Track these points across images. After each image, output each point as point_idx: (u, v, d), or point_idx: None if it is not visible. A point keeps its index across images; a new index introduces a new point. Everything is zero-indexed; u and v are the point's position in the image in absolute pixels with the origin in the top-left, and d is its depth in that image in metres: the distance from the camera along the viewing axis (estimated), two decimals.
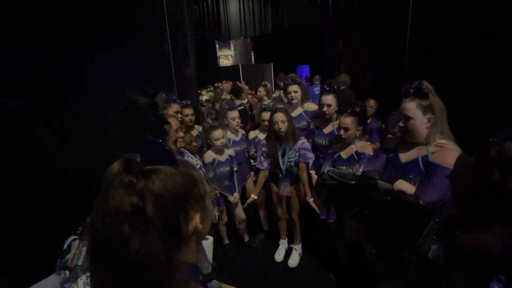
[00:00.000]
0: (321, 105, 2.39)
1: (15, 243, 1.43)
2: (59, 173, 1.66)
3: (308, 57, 8.28)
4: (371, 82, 3.41)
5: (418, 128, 1.48)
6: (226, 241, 2.91)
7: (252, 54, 11.35)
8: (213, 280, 0.96)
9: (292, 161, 2.37)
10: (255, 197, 2.53)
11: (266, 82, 5.23)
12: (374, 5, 3.21)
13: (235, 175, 2.62)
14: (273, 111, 2.33)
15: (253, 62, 11.12)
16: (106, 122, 1.92)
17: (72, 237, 1.50)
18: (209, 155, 2.52)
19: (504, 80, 1.81)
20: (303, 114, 2.73)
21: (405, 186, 1.48)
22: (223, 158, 2.55)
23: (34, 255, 1.48)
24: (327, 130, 2.44)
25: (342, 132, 2.00)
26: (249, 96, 4.97)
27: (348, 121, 1.97)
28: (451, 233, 0.96)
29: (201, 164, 2.24)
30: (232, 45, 11.06)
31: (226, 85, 5.22)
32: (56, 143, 1.65)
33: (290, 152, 2.33)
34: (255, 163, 2.89)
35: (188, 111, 2.77)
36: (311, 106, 2.75)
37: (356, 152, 1.99)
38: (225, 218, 2.74)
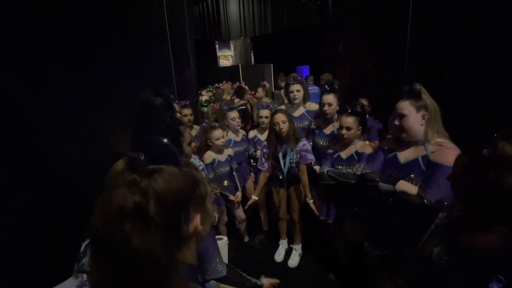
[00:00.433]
0: (321, 105, 2.39)
1: (33, 246, 1.43)
2: (77, 176, 1.66)
3: (308, 58, 8.28)
4: (370, 83, 3.41)
5: (413, 125, 1.50)
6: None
7: (252, 54, 11.35)
8: (212, 280, 0.96)
9: (293, 162, 2.37)
10: (256, 198, 2.53)
11: (265, 82, 5.23)
12: (374, 5, 3.21)
13: (235, 175, 2.62)
14: (274, 112, 2.33)
15: (253, 63, 11.13)
16: (107, 122, 1.92)
17: (88, 240, 1.50)
18: (209, 156, 2.51)
19: (504, 81, 1.81)
20: (305, 114, 2.72)
21: (407, 186, 1.48)
22: (222, 158, 2.55)
23: (52, 258, 1.47)
24: (327, 130, 2.43)
25: (344, 131, 1.99)
26: (249, 97, 4.98)
27: (350, 120, 1.97)
28: (453, 235, 0.96)
29: (204, 166, 2.24)
30: (232, 45, 11.06)
31: (227, 86, 5.23)
32: (65, 146, 1.66)
33: (292, 153, 2.33)
34: (255, 164, 2.90)
35: (187, 111, 2.78)
36: (313, 106, 2.74)
37: (356, 152, 1.99)
38: (225, 218, 2.74)
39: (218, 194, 2.49)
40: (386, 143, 1.79)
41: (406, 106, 1.51)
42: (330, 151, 2.19)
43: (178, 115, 2.45)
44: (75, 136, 1.79)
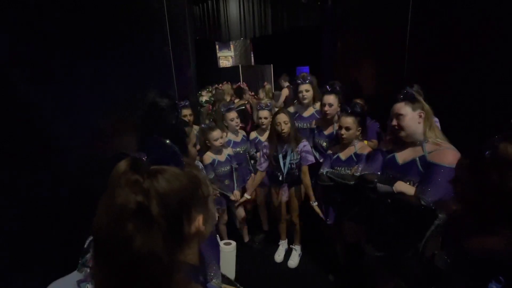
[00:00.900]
0: (322, 105, 2.39)
1: (40, 239, 1.44)
2: (83, 172, 1.67)
3: (308, 58, 8.28)
4: (370, 83, 3.42)
5: (411, 124, 1.52)
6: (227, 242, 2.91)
7: (252, 55, 11.36)
8: (213, 280, 0.96)
9: (293, 163, 2.37)
10: (248, 196, 2.55)
11: (266, 83, 5.26)
12: (373, 6, 3.22)
13: (234, 174, 2.62)
14: (276, 112, 2.33)
15: (252, 63, 11.14)
16: (107, 122, 1.92)
17: (92, 237, 1.51)
18: (209, 156, 2.52)
19: (504, 82, 1.82)
20: (315, 114, 2.69)
21: (404, 187, 1.49)
22: (222, 158, 2.55)
23: (58, 252, 1.49)
24: (327, 131, 2.43)
25: (342, 131, 2.00)
26: (249, 97, 4.99)
27: (349, 120, 1.97)
28: (455, 237, 0.96)
29: (202, 166, 2.25)
30: (232, 46, 11.08)
31: (227, 86, 5.23)
32: (68, 144, 1.66)
33: (292, 154, 2.34)
34: (255, 164, 2.90)
35: (187, 111, 2.78)
36: None
37: (355, 153, 2.00)
38: (225, 217, 2.74)
39: (218, 194, 2.49)
40: (384, 144, 1.80)
41: (402, 106, 1.55)
42: (329, 152, 2.20)
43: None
44: (75, 136, 1.79)
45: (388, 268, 1.76)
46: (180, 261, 0.50)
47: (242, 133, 2.91)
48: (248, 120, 4.20)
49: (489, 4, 1.89)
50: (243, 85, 5.18)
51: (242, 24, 9.70)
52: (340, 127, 2.02)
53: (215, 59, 10.46)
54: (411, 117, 1.52)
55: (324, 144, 2.42)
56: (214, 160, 2.51)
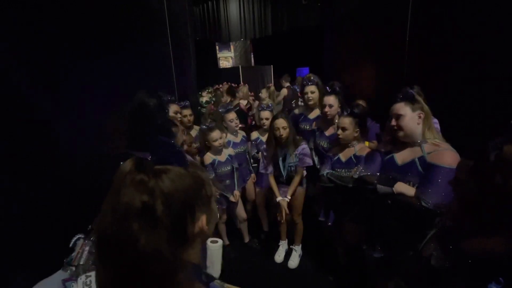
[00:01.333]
0: (322, 106, 2.39)
1: (27, 239, 1.44)
2: (70, 171, 1.67)
3: (308, 59, 8.29)
4: (370, 84, 3.42)
5: (410, 124, 1.52)
6: (226, 242, 2.91)
7: (252, 56, 11.37)
8: (216, 280, 0.96)
9: (292, 166, 2.39)
10: (288, 199, 2.42)
11: (271, 85, 5.29)
12: (373, 7, 3.23)
13: (235, 174, 2.63)
14: (275, 117, 2.34)
15: (252, 64, 11.15)
16: (108, 122, 1.93)
17: (77, 236, 1.52)
18: (209, 157, 2.52)
19: (504, 82, 1.82)
20: (321, 115, 2.67)
21: (404, 188, 1.49)
22: (222, 158, 2.56)
23: (44, 251, 1.49)
24: (328, 132, 2.43)
25: (339, 132, 2.01)
26: (249, 98, 5.00)
27: (346, 120, 1.98)
28: (455, 239, 0.96)
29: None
30: (232, 46, 11.08)
31: (226, 87, 5.25)
32: (64, 141, 1.66)
33: (291, 157, 2.35)
34: (255, 165, 2.90)
35: (187, 112, 2.79)
36: None
37: (355, 155, 2.00)
38: (224, 216, 2.75)
39: (218, 195, 2.49)
40: (383, 145, 1.80)
41: (401, 107, 1.54)
42: (330, 153, 2.20)
43: (179, 115, 2.47)
44: (74, 136, 1.80)
45: (388, 269, 1.77)
46: (183, 261, 0.51)
47: (241, 133, 2.91)
48: (246, 120, 4.21)
49: (489, 4, 1.90)
50: (244, 85, 5.18)
51: (242, 25, 9.71)
52: (337, 127, 2.03)
53: (215, 60, 10.46)
54: (410, 117, 1.52)
55: (325, 145, 2.42)
56: (214, 161, 2.52)
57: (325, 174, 2.09)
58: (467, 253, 0.89)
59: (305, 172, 2.47)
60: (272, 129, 2.33)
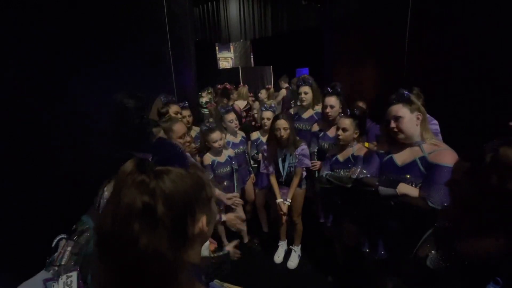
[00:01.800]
0: (324, 107, 2.40)
1: (10, 241, 1.44)
2: (54, 172, 1.66)
3: (308, 60, 8.30)
4: (369, 85, 3.43)
5: (409, 126, 1.52)
6: (226, 242, 2.91)
7: (252, 56, 11.38)
8: (215, 280, 0.97)
9: (292, 166, 2.39)
10: (288, 202, 2.44)
11: (270, 86, 5.32)
12: (373, 8, 3.24)
13: (235, 175, 2.63)
14: (276, 117, 2.34)
15: (252, 65, 11.16)
16: (103, 123, 1.93)
17: (60, 236, 1.52)
18: (208, 157, 2.53)
19: (503, 83, 1.83)
20: (315, 116, 2.72)
21: (407, 189, 1.49)
22: (222, 159, 2.56)
23: (25, 252, 1.49)
24: (331, 133, 2.43)
25: (339, 132, 2.01)
26: (249, 98, 5.00)
27: (347, 121, 1.99)
28: (451, 241, 0.96)
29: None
30: (231, 47, 11.09)
31: (221, 88, 5.26)
32: (51, 143, 1.66)
33: (291, 157, 2.36)
34: (255, 165, 2.90)
35: (186, 112, 2.80)
36: None
37: (353, 155, 2.01)
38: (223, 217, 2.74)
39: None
40: (380, 146, 1.80)
41: (399, 108, 1.54)
42: (328, 154, 2.21)
43: (179, 116, 2.48)
44: (72, 137, 1.80)
45: (387, 269, 1.77)
46: (184, 261, 0.51)
47: (241, 134, 2.92)
48: (240, 120, 4.21)
49: (489, 4, 1.91)
50: (244, 86, 5.19)
51: (242, 25, 9.72)
52: (338, 128, 2.04)
53: (215, 60, 10.47)
54: (409, 119, 1.52)
55: (330, 147, 2.41)
56: (213, 161, 2.52)
57: (324, 175, 2.10)
58: (463, 254, 0.89)
59: (304, 173, 2.48)
60: (273, 129, 2.33)
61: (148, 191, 0.47)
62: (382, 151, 1.73)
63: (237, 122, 2.82)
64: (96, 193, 1.36)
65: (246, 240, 2.97)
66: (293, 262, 2.60)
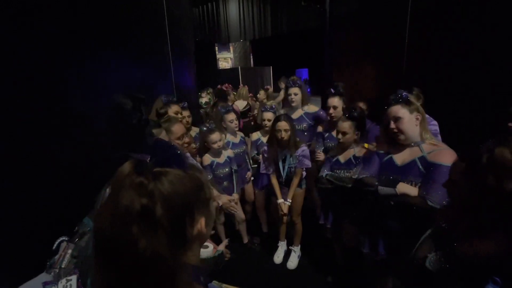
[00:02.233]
0: (327, 108, 2.41)
1: (11, 242, 1.44)
2: (56, 173, 1.66)
3: (307, 60, 8.32)
4: (369, 86, 3.43)
5: (409, 127, 1.53)
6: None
7: (251, 57, 11.38)
8: (214, 281, 0.97)
9: (292, 167, 2.39)
10: (289, 202, 2.46)
11: (268, 87, 5.32)
12: (373, 8, 3.25)
13: (234, 176, 2.63)
14: (277, 118, 2.34)
15: (252, 65, 11.16)
16: (104, 123, 1.93)
17: (61, 238, 1.51)
18: (208, 158, 2.53)
19: (503, 84, 1.83)
20: (304, 116, 2.76)
21: (407, 188, 1.49)
22: (221, 160, 2.56)
23: (28, 253, 1.48)
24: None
25: (339, 136, 2.02)
26: (249, 99, 5.00)
27: (345, 125, 1.99)
28: (450, 241, 0.96)
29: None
30: (231, 47, 11.10)
31: (217, 89, 5.26)
32: (52, 143, 1.66)
33: (291, 158, 2.36)
34: (255, 166, 2.90)
35: (185, 113, 2.80)
36: (311, 108, 2.79)
37: (354, 156, 2.01)
38: (222, 218, 2.75)
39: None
40: (379, 147, 1.80)
41: (399, 109, 1.54)
42: (329, 155, 2.21)
43: (179, 116, 2.48)
44: (72, 137, 1.80)
45: (387, 269, 1.77)
46: (183, 263, 0.51)
47: (240, 134, 2.92)
48: (238, 121, 4.21)
49: (489, 5, 1.91)
50: (243, 87, 5.19)
51: (241, 26, 9.73)
52: (337, 132, 2.04)
53: (214, 61, 10.47)
54: (408, 119, 1.53)
55: (334, 146, 2.42)
56: (213, 162, 2.52)
57: (324, 176, 2.10)
58: (461, 254, 0.89)
59: (304, 173, 2.48)
60: (273, 130, 2.34)
61: (147, 193, 0.47)
62: (381, 151, 1.73)
63: (237, 122, 2.83)
64: (96, 194, 1.35)
65: (245, 240, 2.97)
66: (293, 262, 2.60)
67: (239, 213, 2.77)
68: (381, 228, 1.66)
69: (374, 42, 3.24)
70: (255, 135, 2.90)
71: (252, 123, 4.38)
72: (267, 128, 2.74)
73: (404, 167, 1.55)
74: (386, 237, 1.66)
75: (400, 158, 1.59)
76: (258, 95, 5.14)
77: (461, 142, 1.50)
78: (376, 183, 1.59)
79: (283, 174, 2.42)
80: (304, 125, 2.74)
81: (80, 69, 1.90)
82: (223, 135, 2.63)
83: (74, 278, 1.34)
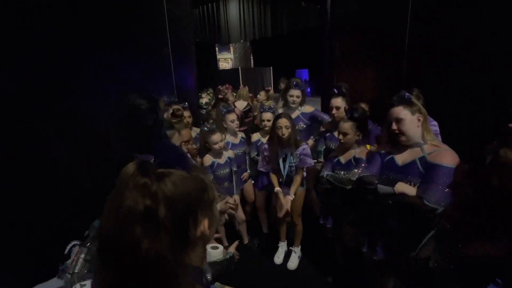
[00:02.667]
0: (330, 108, 2.42)
1: (23, 244, 1.43)
2: (67, 177, 1.66)
3: (307, 61, 8.32)
4: (369, 86, 3.43)
5: (411, 128, 1.53)
6: (225, 243, 2.91)
7: (252, 57, 11.39)
8: (216, 283, 0.97)
9: (293, 166, 2.39)
10: (292, 197, 2.43)
11: (269, 88, 5.32)
12: (373, 8, 3.25)
13: (234, 177, 2.63)
14: (278, 116, 2.34)
15: (252, 66, 11.17)
16: (108, 124, 1.93)
17: (73, 243, 1.50)
18: (208, 158, 2.53)
19: (503, 84, 1.83)
20: (301, 116, 2.80)
21: (405, 188, 1.50)
22: (222, 160, 2.56)
23: (40, 257, 1.48)
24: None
25: (340, 136, 2.02)
26: (249, 99, 5.00)
27: (346, 126, 1.98)
28: (454, 243, 0.96)
29: None
30: (231, 48, 11.11)
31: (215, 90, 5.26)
32: (61, 146, 1.66)
33: (292, 157, 2.35)
34: (255, 166, 2.90)
35: (186, 113, 2.79)
36: (307, 108, 2.84)
37: (354, 158, 2.00)
38: (223, 218, 2.74)
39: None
40: (382, 147, 1.80)
41: (401, 110, 1.54)
42: (330, 155, 2.21)
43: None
44: (79, 139, 1.80)
45: (387, 270, 1.77)
46: (185, 264, 0.50)
47: (241, 135, 2.92)
48: (243, 122, 4.21)
49: (488, 5, 1.91)
50: (243, 87, 5.19)
51: (242, 26, 9.74)
52: (338, 132, 2.04)
53: (215, 61, 10.48)
54: (410, 120, 1.53)
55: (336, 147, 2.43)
56: (213, 163, 2.52)
57: (324, 176, 2.09)
58: (464, 255, 0.89)
59: (305, 173, 2.48)
60: (274, 128, 2.33)
61: (150, 194, 0.47)
62: (383, 151, 1.73)
63: (238, 122, 2.83)
64: (96, 194, 1.35)
65: (246, 241, 2.97)
66: (293, 263, 2.60)
67: (240, 214, 2.77)
68: (381, 229, 1.66)
69: (374, 43, 3.24)
70: (255, 136, 2.90)
71: (254, 122, 4.37)
72: (266, 129, 2.74)
73: (404, 167, 1.56)
74: (386, 238, 1.66)
75: (401, 158, 1.59)
76: (258, 96, 5.14)
77: (461, 143, 1.50)
78: (376, 181, 1.60)
79: (284, 173, 2.41)
80: (302, 124, 2.77)
81: (80, 69, 1.90)
82: (224, 135, 2.63)
83: (88, 283, 1.32)
